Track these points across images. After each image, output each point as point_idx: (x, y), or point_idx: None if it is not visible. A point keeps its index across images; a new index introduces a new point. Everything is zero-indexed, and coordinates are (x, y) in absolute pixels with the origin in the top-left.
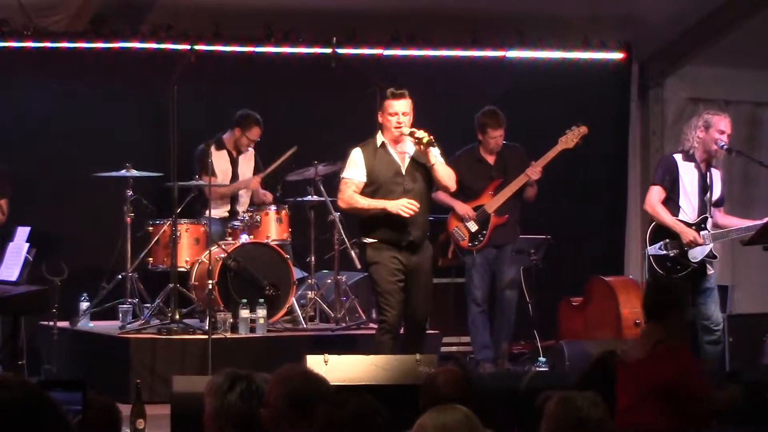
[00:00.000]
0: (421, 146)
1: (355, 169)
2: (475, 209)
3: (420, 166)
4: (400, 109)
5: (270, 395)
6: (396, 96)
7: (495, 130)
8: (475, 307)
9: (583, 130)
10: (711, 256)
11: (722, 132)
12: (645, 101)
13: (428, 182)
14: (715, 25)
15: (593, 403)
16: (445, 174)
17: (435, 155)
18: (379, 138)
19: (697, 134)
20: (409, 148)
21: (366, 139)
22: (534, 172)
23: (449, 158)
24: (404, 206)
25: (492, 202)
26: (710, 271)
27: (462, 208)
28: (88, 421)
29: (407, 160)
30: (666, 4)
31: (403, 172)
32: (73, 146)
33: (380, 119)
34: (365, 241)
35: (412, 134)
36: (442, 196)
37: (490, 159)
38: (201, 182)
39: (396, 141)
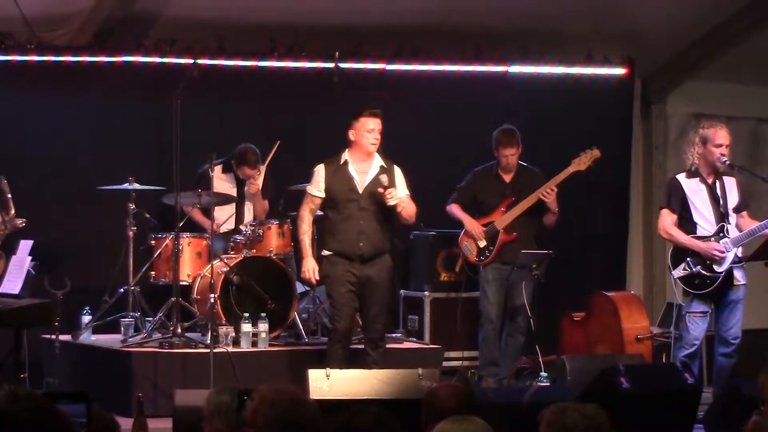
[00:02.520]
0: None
1: (315, 185)
2: (486, 225)
3: (380, 187)
4: (377, 126)
5: (256, 416)
6: (374, 114)
7: (506, 148)
8: (489, 324)
9: (596, 153)
10: (737, 261)
11: (719, 145)
12: (647, 117)
13: None
14: (718, 41)
15: (583, 415)
16: (409, 211)
17: (401, 201)
18: (344, 156)
19: (696, 150)
20: (374, 167)
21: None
22: (545, 193)
23: (468, 173)
24: (309, 270)
25: (502, 219)
26: (738, 281)
27: (471, 225)
28: None
29: (369, 179)
30: (669, 20)
31: (360, 191)
32: (76, 160)
33: (351, 136)
34: (322, 253)
35: (384, 188)
36: (455, 210)
37: (507, 177)
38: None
39: (363, 159)
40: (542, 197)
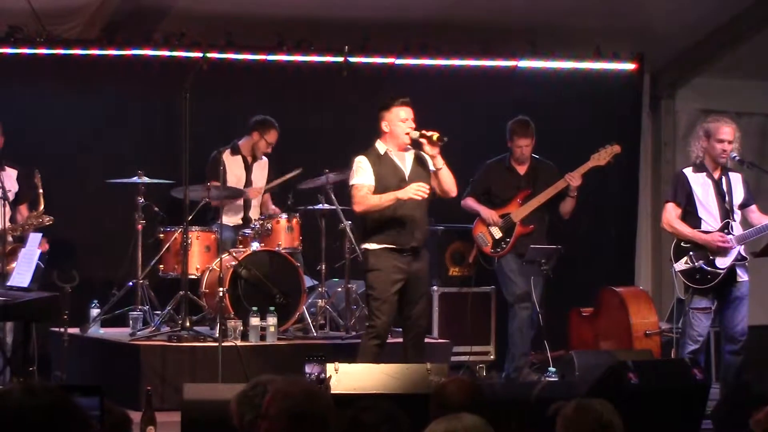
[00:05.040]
0: (431, 144)
1: (364, 174)
2: (502, 217)
3: (423, 171)
4: (410, 115)
5: (269, 408)
6: (404, 103)
7: (521, 138)
8: (524, 312)
9: (616, 149)
10: (740, 258)
11: (721, 141)
12: (656, 112)
13: (431, 188)
14: (727, 37)
15: (610, 410)
16: (449, 179)
17: (441, 159)
18: (381, 146)
19: (701, 144)
20: (409, 156)
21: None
22: (573, 177)
23: (480, 165)
24: (415, 190)
25: (519, 211)
26: (741, 278)
27: (487, 212)
28: (106, 427)
29: (410, 168)
30: (678, 16)
31: (407, 179)
32: (85, 153)
33: (384, 127)
34: (367, 247)
35: (422, 135)
36: (470, 202)
37: (520, 169)
38: (198, 189)
39: (400, 148)
40: (569, 180)
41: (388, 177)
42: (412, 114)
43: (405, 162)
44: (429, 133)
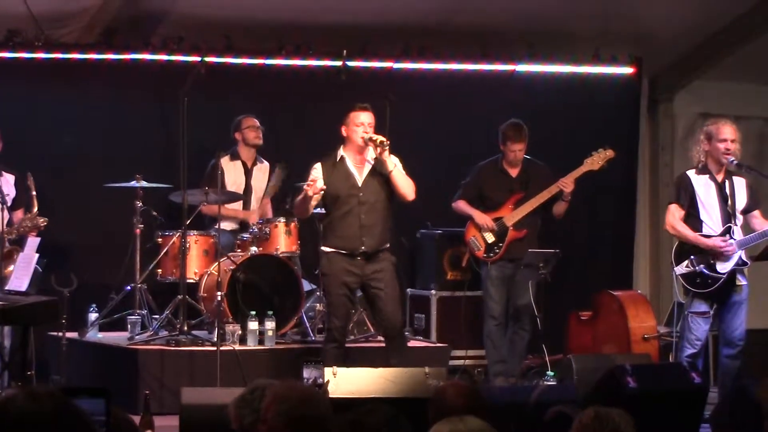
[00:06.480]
0: (377, 149)
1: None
2: (494, 221)
3: (380, 177)
4: (366, 120)
5: (267, 412)
6: (362, 108)
7: (514, 143)
8: (492, 321)
9: (610, 153)
10: (741, 263)
11: (724, 140)
12: (655, 116)
13: (389, 194)
14: (726, 41)
15: (627, 420)
16: (403, 182)
17: (394, 162)
18: (340, 152)
19: (702, 147)
20: (368, 164)
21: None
22: (566, 183)
23: (472, 168)
24: (308, 184)
25: (512, 216)
26: (740, 282)
27: (481, 217)
28: (112, 430)
29: (365, 173)
30: (677, 19)
31: (359, 185)
32: (83, 157)
33: (344, 132)
34: (323, 249)
35: (370, 139)
36: (462, 205)
37: (513, 172)
38: (196, 196)
39: (358, 153)
40: (561, 186)
41: (338, 183)
42: (369, 119)
43: (362, 170)
44: (375, 137)
